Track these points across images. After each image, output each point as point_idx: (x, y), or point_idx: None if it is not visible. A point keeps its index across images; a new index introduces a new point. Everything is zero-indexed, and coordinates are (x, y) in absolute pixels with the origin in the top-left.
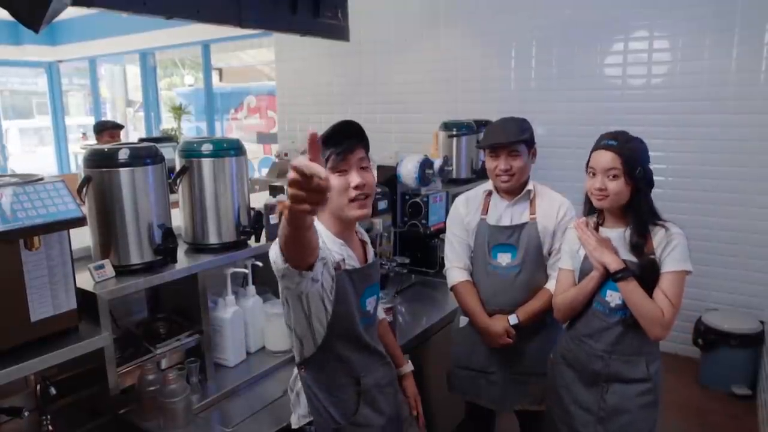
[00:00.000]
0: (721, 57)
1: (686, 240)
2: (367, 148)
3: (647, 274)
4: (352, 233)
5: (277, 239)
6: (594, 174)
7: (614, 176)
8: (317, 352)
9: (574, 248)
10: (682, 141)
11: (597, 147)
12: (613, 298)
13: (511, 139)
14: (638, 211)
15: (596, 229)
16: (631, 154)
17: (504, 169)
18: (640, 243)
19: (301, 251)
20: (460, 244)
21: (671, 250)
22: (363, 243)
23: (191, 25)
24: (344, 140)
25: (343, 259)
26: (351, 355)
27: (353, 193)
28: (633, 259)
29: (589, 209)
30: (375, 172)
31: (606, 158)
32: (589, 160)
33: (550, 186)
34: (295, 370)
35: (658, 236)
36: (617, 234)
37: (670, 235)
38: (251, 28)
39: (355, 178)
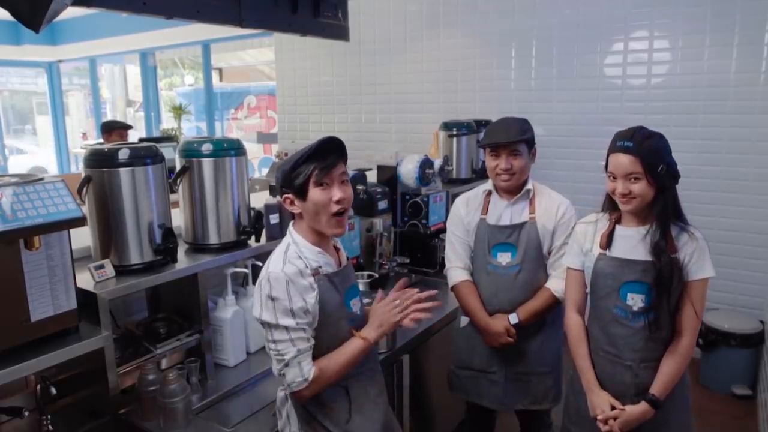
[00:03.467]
0: (721, 57)
1: (707, 244)
2: (346, 162)
3: (667, 274)
4: (328, 241)
5: (323, 376)
6: (614, 178)
7: (636, 179)
8: None
9: (585, 247)
10: (682, 141)
11: (614, 149)
12: (635, 300)
13: (513, 138)
14: (663, 209)
15: (613, 227)
16: (650, 153)
17: (504, 169)
18: (662, 244)
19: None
20: (460, 244)
21: (698, 258)
22: (337, 249)
23: (191, 25)
24: (328, 156)
25: (320, 266)
26: None
27: (335, 207)
28: (651, 258)
29: (609, 206)
30: (375, 172)
31: (625, 162)
32: (607, 163)
33: (549, 186)
34: (280, 393)
35: (682, 239)
36: (634, 232)
37: (695, 241)
38: (251, 28)
39: (336, 193)
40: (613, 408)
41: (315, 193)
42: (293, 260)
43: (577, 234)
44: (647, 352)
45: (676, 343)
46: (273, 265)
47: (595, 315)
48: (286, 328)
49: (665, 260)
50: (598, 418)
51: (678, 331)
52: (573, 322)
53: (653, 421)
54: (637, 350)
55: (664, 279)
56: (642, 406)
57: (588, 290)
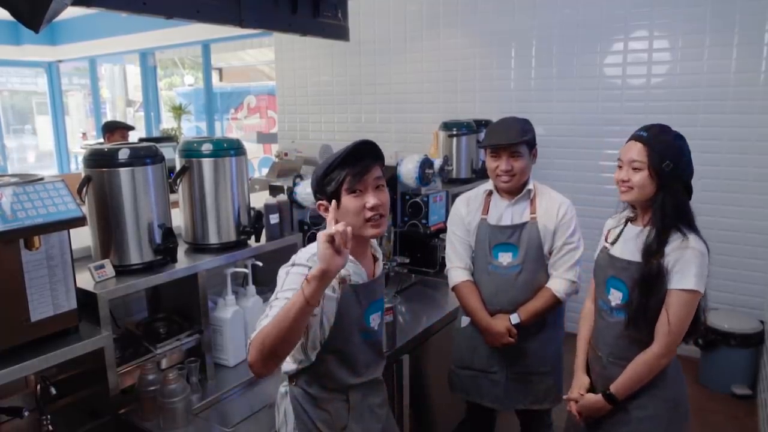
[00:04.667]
0: (721, 57)
1: (704, 257)
2: (383, 164)
3: (650, 278)
4: (366, 248)
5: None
6: (620, 166)
7: (638, 168)
8: (308, 366)
9: (601, 241)
10: None
11: (630, 138)
12: (614, 296)
13: (513, 140)
14: (660, 210)
15: (625, 224)
16: (660, 147)
17: (505, 170)
18: (653, 246)
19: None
20: (461, 244)
21: (682, 268)
22: (375, 258)
23: (191, 24)
24: (361, 161)
25: (349, 275)
26: (342, 371)
27: (369, 214)
28: (633, 258)
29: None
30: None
31: (633, 149)
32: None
33: (550, 186)
34: (282, 388)
35: (672, 244)
36: (635, 230)
37: (685, 250)
38: (251, 28)
39: (371, 199)
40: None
41: (347, 201)
42: None
43: (605, 227)
44: (617, 348)
45: (647, 348)
46: (299, 256)
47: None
48: (277, 298)
49: (652, 263)
50: (564, 397)
51: (654, 338)
52: (585, 310)
53: (617, 420)
54: (608, 344)
55: (646, 282)
56: (597, 397)
57: None
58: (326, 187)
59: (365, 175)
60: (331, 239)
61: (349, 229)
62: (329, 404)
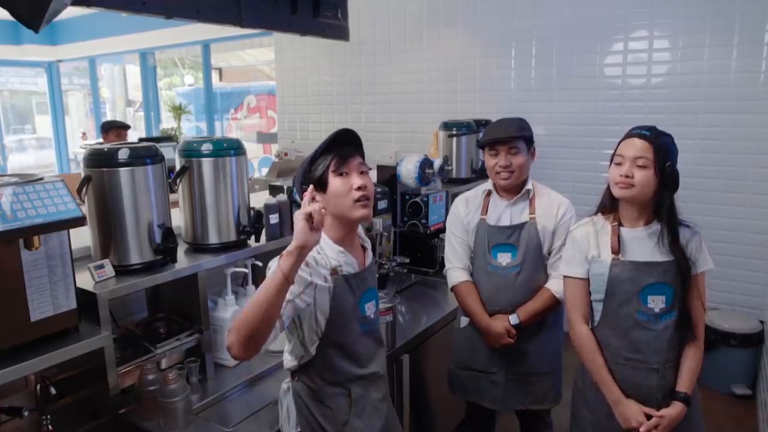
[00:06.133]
0: (721, 57)
1: None
2: (363, 156)
3: (686, 272)
4: (354, 238)
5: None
6: (621, 162)
7: (643, 165)
8: (310, 360)
9: (590, 253)
10: (682, 141)
11: (628, 136)
12: (656, 302)
13: (511, 134)
14: (668, 210)
15: (618, 232)
16: (663, 148)
17: (504, 166)
18: (679, 241)
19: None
20: (460, 244)
21: (701, 251)
22: (363, 248)
23: (191, 24)
24: (344, 146)
25: (340, 265)
26: (344, 363)
27: (357, 194)
28: (668, 258)
29: (610, 205)
30: (375, 172)
31: (637, 146)
32: (615, 151)
33: (549, 186)
34: (284, 384)
35: (686, 234)
36: (641, 233)
37: (695, 234)
38: (251, 28)
39: (357, 180)
40: (648, 417)
41: (335, 183)
42: (312, 252)
43: (578, 241)
44: (670, 352)
45: (692, 337)
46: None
47: (613, 323)
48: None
49: (684, 259)
50: (641, 430)
51: (692, 325)
52: (584, 334)
53: (682, 420)
54: (661, 352)
55: (685, 276)
56: (678, 407)
57: (600, 297)
58: (314, 173)
59: (350, 159)
60: (308, 217)
61: (323, 208)
62: (331, 399)
